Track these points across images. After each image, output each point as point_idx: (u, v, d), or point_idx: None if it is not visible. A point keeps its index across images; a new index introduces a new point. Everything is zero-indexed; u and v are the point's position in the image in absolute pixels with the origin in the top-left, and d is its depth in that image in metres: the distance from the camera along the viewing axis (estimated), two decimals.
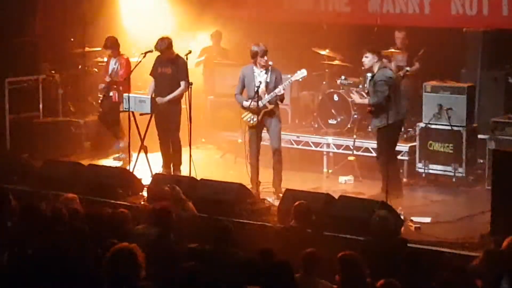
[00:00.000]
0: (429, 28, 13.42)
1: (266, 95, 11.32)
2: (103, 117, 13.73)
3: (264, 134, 11.79)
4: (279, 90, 11.24)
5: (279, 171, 11.53)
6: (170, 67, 12.17)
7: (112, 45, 13.44)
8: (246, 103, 11.40)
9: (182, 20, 14.28)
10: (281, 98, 11.39)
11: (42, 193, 11.01)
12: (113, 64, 13.51)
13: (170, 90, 12.13)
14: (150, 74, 12.41)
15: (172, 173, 12.19)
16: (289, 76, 11.61)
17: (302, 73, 11.39)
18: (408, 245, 8.85)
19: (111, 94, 13.41)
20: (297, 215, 9.15)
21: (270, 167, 11.71)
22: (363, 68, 13.22)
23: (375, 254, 8.11)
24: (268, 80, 11.37)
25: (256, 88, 11.19)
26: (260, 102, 11.25)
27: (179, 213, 9.30)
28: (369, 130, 13.14)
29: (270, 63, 11.43)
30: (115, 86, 13.37)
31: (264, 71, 11.41)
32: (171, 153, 12.36)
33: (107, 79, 13.46)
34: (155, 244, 7.93)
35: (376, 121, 11.19)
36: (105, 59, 14.06)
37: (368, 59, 11.12)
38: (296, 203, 9.41)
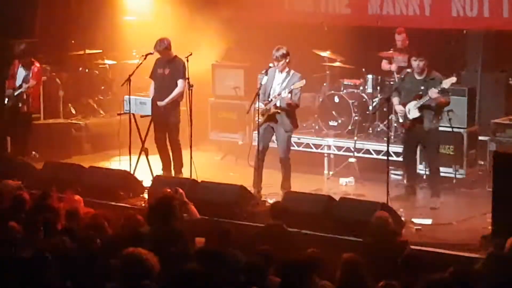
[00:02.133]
0: (429, 30, 13.42)
1: (275, 98, 11.37)
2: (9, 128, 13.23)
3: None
4: (284, 94, 11.22)
5: (286, 177, 11.57)
6: (168, 68, 12.21)
7: (26, 53, 13.09)
8: (261, 104, 11.45)
9: (183, 22, 14.27)
10: (288, 103, 11.33)
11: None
12: (23, 72, 13.11)
13: (169, 91, 12.16)
14: (150, 77, 12.43)
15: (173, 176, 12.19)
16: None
17: (301, 83, 11.37)
18: (409, 246, 8.83)
19: (17, 103, 13.06)
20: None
21: (274, 169, 11.78)
22: (363, 70, 13.33)
23: (376, 256, 8.10)
24: (284, 85, 11.38)
25: (269, 90, 11.38)
26: (268, 105, 11.36)
27: (182, 216, 9.30)
28: (369, 131, 13.16)
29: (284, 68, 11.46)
30: (24, 97, 13.08)
31: (284, 76, 11.44)
32: (172, 156, 12.36)
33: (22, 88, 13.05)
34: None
35: (432, 122, 11.20)
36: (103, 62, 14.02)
37: (423, 63, 11.19)
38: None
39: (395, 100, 11.49)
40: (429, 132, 11.26)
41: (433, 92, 11.00)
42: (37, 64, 13.28)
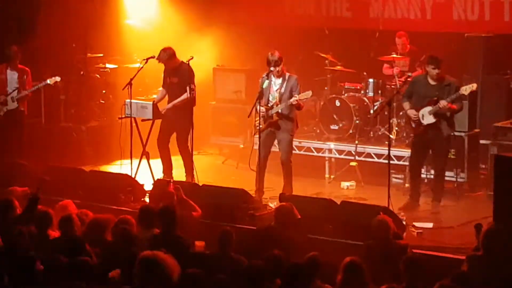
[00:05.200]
0: (431, 33, 13.42)
1: (276, 105, 11.35)
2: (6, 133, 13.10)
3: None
4: (289, 102, 11.22)
5: (288, 181, 11.57)
6: (176, 76, 12.16)
7: (16, 55, 13.00)
8: (262, 109, 11.44)
9: (184, 26, 14.28)
10: (298, 105, 11.34)
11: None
12: (14, 76, 13.00)
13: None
14: (162, 86, 12.41)
15: (185, 179, 12.12)
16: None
17: (307, 94, 11.35)
18: (410, 250, 8.83)
19: (17, 107, 12.98)
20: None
21: (275, 173, 11.77)
22: (364, 73, 13.35)
23: (377, 259, 8.11)
24: (282, 90, 11.39)
25: (267, 97, 11.37)
26: (269, 112, 11.36)
27: (182, 214, 9.33)
28: (371, 135, 13.15)
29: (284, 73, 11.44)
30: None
31: (280, 80, 11.44)
32: (183, 161, 12.30)
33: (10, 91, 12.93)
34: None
35: (448, 128, 11.12)
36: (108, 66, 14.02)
37: (440, 70, 11.02)
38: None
39: (406, 105, 11.35)
40: (446, 138, 11.13)
41: (443, 103, 10.84)
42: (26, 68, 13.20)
